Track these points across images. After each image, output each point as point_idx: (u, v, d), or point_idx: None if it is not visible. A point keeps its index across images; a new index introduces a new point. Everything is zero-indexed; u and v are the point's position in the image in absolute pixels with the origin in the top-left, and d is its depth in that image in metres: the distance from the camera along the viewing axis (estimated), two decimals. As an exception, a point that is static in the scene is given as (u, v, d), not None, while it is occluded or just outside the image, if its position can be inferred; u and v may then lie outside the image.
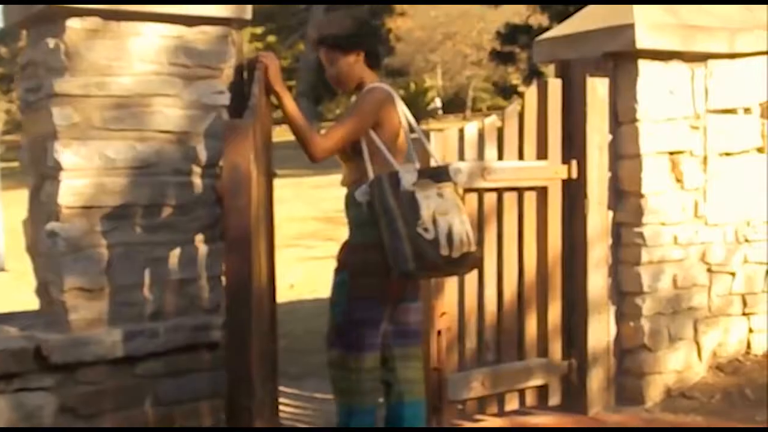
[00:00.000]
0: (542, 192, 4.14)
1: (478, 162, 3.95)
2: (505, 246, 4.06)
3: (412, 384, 3.26)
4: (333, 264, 3.30)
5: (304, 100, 29.78)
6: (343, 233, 3.34)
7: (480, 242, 3.94)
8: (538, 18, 23.46)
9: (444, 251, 2.94)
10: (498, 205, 4.04)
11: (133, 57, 3.02)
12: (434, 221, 2.94)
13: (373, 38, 3.28)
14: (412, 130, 3.27)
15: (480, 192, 3.97)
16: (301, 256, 10.11)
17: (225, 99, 3.19)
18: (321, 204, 13.58)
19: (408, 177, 3.01)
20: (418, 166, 3.20)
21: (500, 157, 4.04)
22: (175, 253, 3.11)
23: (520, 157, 4.08)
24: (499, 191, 4.03)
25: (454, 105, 38.74)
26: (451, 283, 3.88)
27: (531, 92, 4.16)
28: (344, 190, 3.23)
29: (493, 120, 4.04)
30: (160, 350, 3.05)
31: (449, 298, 3.90)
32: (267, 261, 3.25)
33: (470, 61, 37.03)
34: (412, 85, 34.92)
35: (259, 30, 33.69)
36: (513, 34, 23.77)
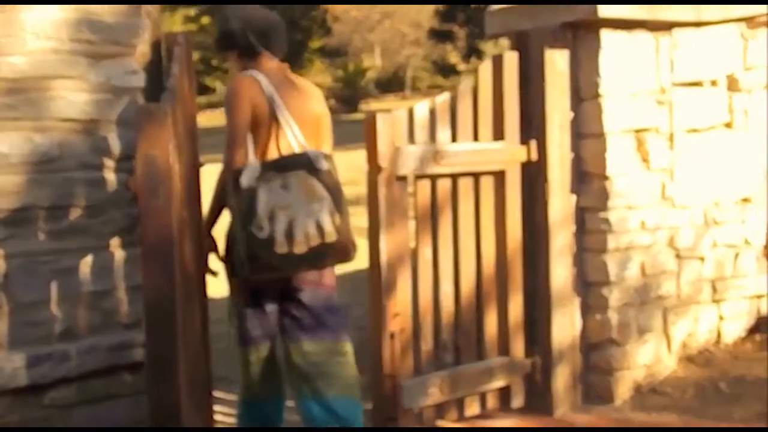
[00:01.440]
0: (500, 176, 3.80)
1: (430, 145, 3.59)
2: (461, 237, 3.73)
3: (315, 381, 3.06)
4: None
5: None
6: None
7: (434, 233, 3.62)
8: (474, -5, 23.25)
9: (281, 248, 2.76)
10: (453, 192, 3.69)
11: (26, 33, 2.57)
12: (272, 217, 2.77)
13: (239, 33, 3.07)
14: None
15: (433, 178, 3.63)
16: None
17: (140, 80, 2.76)
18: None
19: (248, 173, 2.82)
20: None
21: (454, 139, 3.68)
22: (87, 262, 2.68)
23: (476, 138, 3.74)
24: (454, 177, 3.68)
25: (394, 84, 38.48)
26: (403, 281, 3.55)
27: (485, 67, 3.80)
28: None
29: (445, 99, 3.67)
30: (72, 375, 2.65)
31: (402, 296, 3.55)
32: (195, 264, 2.84)
33: (409, 40, 36.71)
34: (351, 66, 34.55)
35: (192, 11, 32.88)
36: (451, 12, 23.56)
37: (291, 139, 2.98)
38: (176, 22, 31.76)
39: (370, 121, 3.45)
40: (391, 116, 3.50)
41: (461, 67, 26.17)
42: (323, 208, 2.82)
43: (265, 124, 2.94)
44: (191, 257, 2.70)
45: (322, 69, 35.95)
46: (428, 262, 3.64)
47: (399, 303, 3.53)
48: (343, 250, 2.93)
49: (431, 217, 3.64)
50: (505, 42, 4.12)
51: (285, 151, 2.97)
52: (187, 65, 2.81)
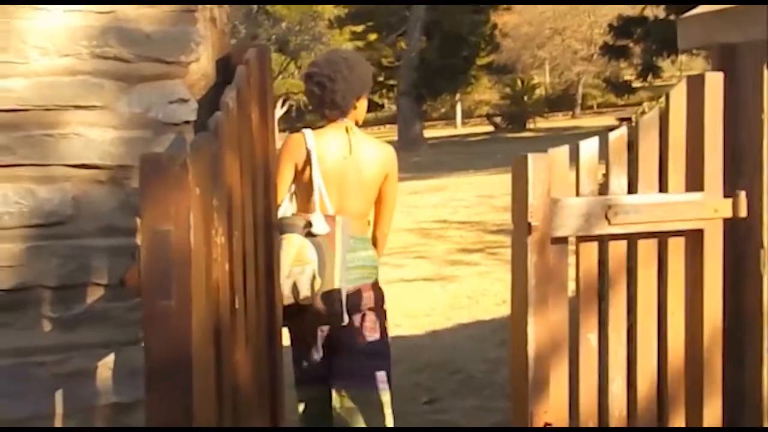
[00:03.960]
0: (695, 238, 2.88)
1: (600, 197, 2.70)
2: (639, 318, 2.84)
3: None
4: None
5: (406, 99, 28.88)
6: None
7: (602, 314, 2.73)
8: (653, 9, 22.01)
9: None
10: (629, 259, 2.80)
11: (27, 46, 1.85)
12: None
13: (306, 86, 3.23)
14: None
15: (602, 240, 2.75)
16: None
17: (190, 112, 1.99)
18: (416, 214, 12.46)
19: None
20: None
21: (632, 188, 2.77)
22: (106, 363, 1.93)
23: (662, 188, 2.82)
24: (631, 238, 2.78)
25: (563, 102, 37.57)
26: (558, 378, 2.69)
27: (678, 92, 2.86)
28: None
29: (621, 134, 2.76)
30: None
31: (556, 399, 2.69)
32: (260, 371, 2.06)
33: (580, 56, 35.62)
34: (519, 82, 33.77)
35: (359, 28, 33.03)
36: (626, 26, 22.59)
37: (316, 197, 3.07)
38: (344, 38, 31.88)
39: (520, 164, 2.61)
40: (548, 157, 2.64)
41: (636, 84, 24.72)
42: (304, 272, 2.94)
43: (303, 179, 3.11)
44: (248, 365, 1.91)
45: (488, 86, 35.35)
46: (593, 353, 2.78)
47: (551, 408, 2.67)
48: (319, 315, 3.01)
49: (599, 291, 2.77)
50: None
51: (314, 208, 3.09)
52: (259, 88, 2.04)
